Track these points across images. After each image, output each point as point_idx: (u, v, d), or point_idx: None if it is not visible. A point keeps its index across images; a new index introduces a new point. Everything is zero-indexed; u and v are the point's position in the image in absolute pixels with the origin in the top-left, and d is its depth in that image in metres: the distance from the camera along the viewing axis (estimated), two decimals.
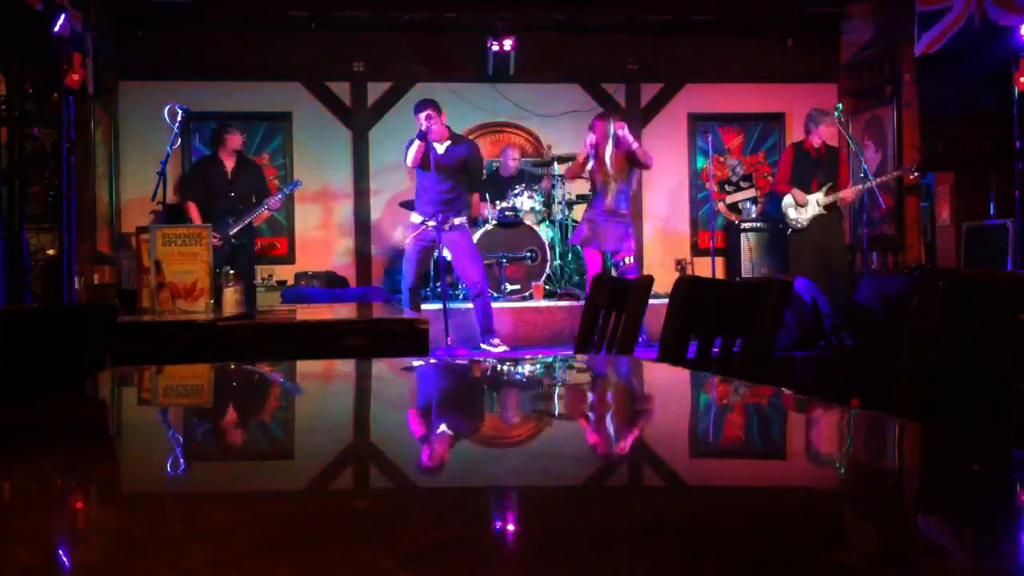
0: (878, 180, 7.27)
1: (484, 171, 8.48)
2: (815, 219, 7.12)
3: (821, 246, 7.10)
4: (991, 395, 1.21)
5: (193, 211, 6.84)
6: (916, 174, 7.57)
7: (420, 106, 6.29)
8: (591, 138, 6.73)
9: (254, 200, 6.94)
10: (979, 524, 0.67)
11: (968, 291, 1.26)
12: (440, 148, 6.31)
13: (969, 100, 9.18)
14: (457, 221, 6.42)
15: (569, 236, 8.01)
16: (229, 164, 6.96)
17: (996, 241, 7.41)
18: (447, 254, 6.68)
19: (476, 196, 7.01)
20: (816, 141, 7.19)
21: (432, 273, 7.77)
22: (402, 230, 8.65)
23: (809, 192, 7.11)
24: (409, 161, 6.31)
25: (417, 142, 6.20)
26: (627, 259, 6.78)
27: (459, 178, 6.41)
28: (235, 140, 7.05)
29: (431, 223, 6.25)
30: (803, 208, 7.14)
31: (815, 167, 7.16)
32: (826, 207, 7.08)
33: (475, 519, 0.69)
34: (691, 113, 9.07)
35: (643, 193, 8.82)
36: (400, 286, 7.97)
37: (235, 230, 6.77)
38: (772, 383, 1.35)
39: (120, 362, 1.84)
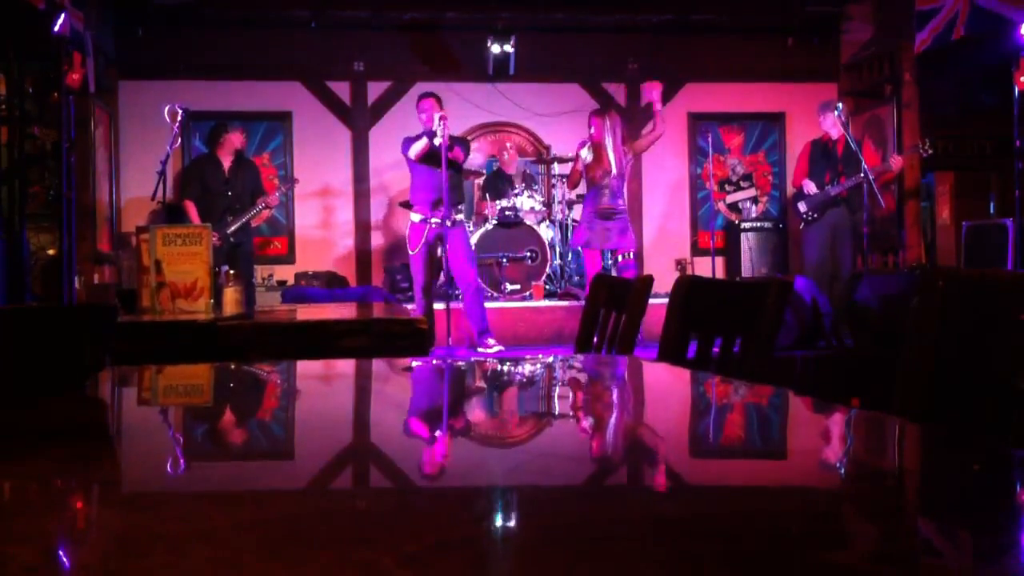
0: (903, 154, 7.21)
1: (483, 170, 8.50)
2: (825, 215, 7.06)
3: (830, 243, 7.06)
4: (991, 395, 1.21)
5: (191, 210, 6.84)
6: (927, 149, 7.35)
7: (426, 102, 6.20)
8: (590, 136, 6.72)
9: (251, 199, 6.94)
10: (979, 524, 0.67)
11: (968, 291, 1.26)
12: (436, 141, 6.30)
13: (969, 100, 9.18)
14: (458, 217, 6.41)
15: (570, 236, 8.02)
16: (226, 163, 6.97)
17: (996, 241, 7.40)
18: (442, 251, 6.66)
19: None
20: (833, 134, 7.15)
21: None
22: (402, 230, 8.67)
23: (822, 185, 7.08)
24: (413, 153, 6.20)
25: (425, 140, 6.13)
26: (627, 254, 6.75)
27: (457, 173, 6.39)
28: (236, 139, 7.05)
29: (435, 220, 6.19)
30: (812, 200, 7.10)
31: (831, 159, 7.12)
32: (836, 196, 7.02)
33: (475, 519, 0.69)
34: (691, 113, 9.07)
35: (643, 193, 8.83)
36: (403, 285, 7.96)
37: (233, 228, 6.78)
38: (772, 383, 1.35)
39: (120, 362, 1.84)
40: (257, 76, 8.43)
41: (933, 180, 10.88)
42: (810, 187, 7.12)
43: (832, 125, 7.12)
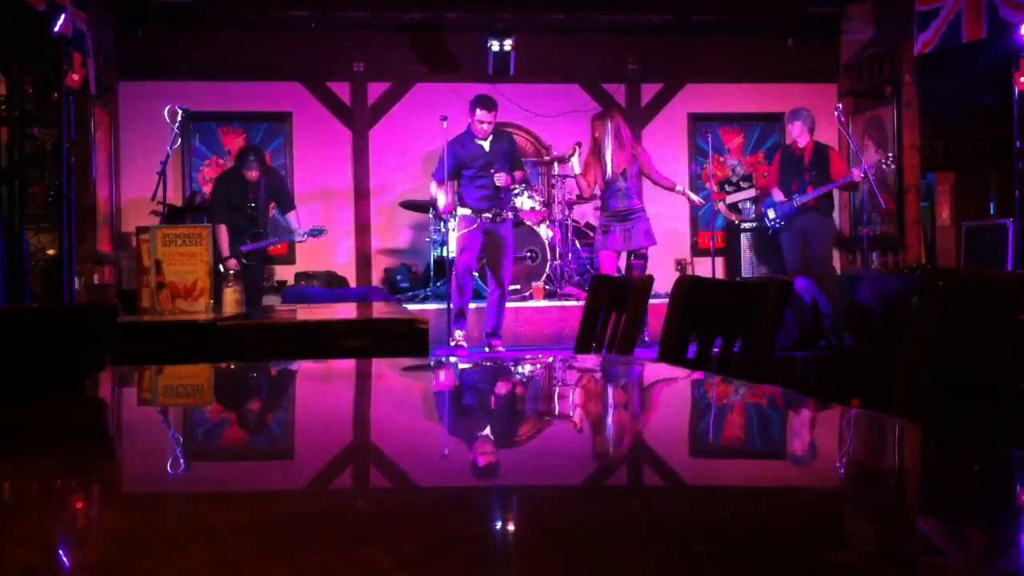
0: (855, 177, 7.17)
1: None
2: (796, 219, 7.01)
3: (805, 246, 7.03)
4: (991, 395, 1.21)
5: (223, 235, 6.49)
6: (891, 163, 7.45)
7: (484, 103, 6.36)
8: (578, 145, 6.81)
9: (272, 209, 6.90)
10: (979, 524, 0.67)
11: (968, 291, 1.26)
12: (486, 145, 6.37)
13: (969, 100, 9.18)
14: (509, 215, 6.53)
15: (570, 236, 8.02)
16: (251, 176, 6.77)
17: (996, 241, 7.40)
18: (450, 249, 6.73)
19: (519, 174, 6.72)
20: (801, 141, 7.12)
21: (433, 272, 7.77)
22: (401, 230, 8.67)
23: (789, 192, 7.06)
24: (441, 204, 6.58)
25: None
26: (641, 251, 6.68)
27: (506, 171, 6.41)
28: (252, 174, 6.81)
29: (487, 214, 6.35)
30: (780, 210, 7.08)
31: (798, 167, 7.08)
32: (801, 207, 6.99)
33: (475, 519, 0.69)
34: (691, 113, 9.07)
35: (643, 193, 8.82)
36: (403, 285, 7.95)
37: (249, 249, 6.60)
38: (772, 383, 1.35)
39: (120, 362, 1.84)
40: (257, 76, 8.42)
41: (933, 180, 10.88)
42: (778, 195, 7.11)
43: (800, 133, 7.09)
